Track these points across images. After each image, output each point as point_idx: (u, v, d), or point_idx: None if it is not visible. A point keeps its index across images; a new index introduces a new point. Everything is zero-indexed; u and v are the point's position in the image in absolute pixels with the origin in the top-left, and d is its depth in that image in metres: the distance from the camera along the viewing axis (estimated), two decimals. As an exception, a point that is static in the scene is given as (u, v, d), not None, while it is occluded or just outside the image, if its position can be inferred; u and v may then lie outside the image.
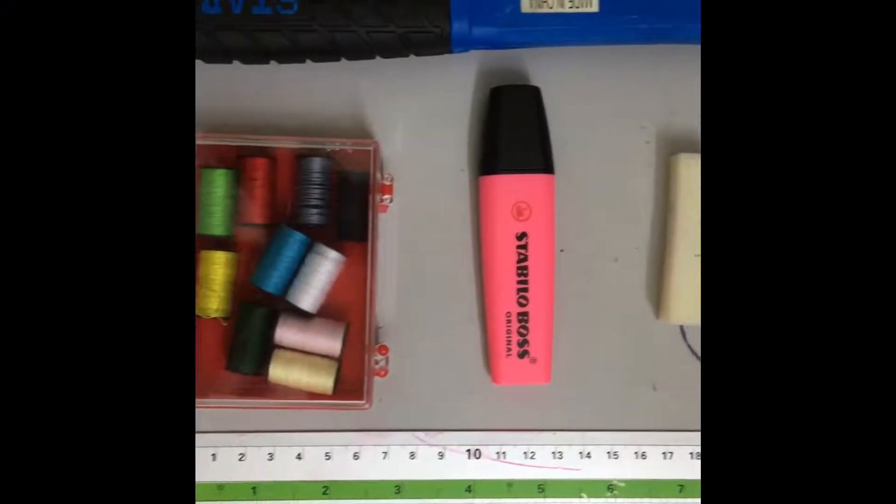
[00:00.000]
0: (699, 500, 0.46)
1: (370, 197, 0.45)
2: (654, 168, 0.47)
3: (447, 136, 0.47)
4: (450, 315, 0.47)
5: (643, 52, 0.46)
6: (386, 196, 0.46)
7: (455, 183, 0.47)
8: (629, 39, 0.45)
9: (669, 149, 0.47)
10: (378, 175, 0.45)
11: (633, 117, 0.47)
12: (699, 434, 0.47)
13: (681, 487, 0.47)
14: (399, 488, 0.46)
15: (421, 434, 0.47)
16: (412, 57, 0.45)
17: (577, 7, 0.44)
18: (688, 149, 0.47)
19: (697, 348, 0.47)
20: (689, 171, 0.46)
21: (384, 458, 0.46)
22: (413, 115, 0.47)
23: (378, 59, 0.45)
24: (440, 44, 0.44)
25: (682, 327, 0.47)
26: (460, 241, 0.47)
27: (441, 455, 0.47)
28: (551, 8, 0.44)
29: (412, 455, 0.47)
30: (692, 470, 0.47)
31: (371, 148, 0.45)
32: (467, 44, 0.45)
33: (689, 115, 0.47)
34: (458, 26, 0.44)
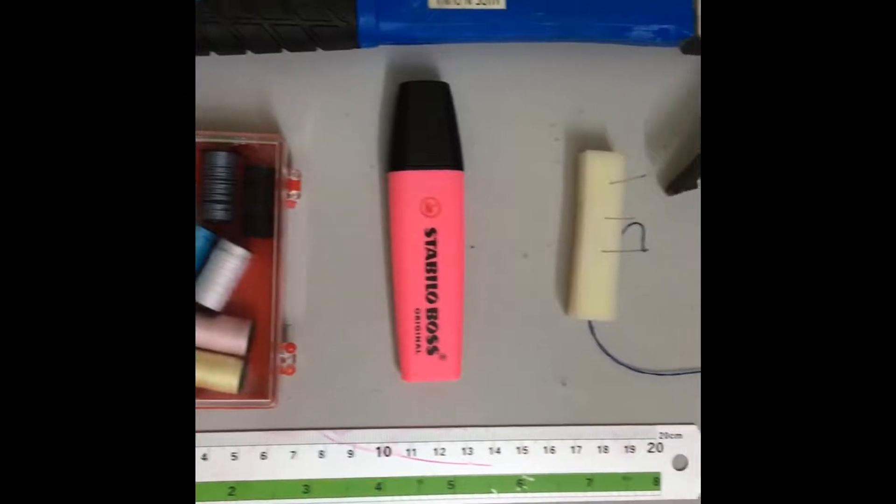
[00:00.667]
0: (606, 493, 0.47)
1: (276, 192, 0.44)
2: (562, 165, 0.48)
3: (356, 132, 0.47)
4: (359, 312, 0.47)
5: (552, 50, 0.47)
6: (293, 192, 0.45)
7: (364, 179, 0.47)
8: (537, 37, 0.45)
9: (578, 146, 0.48)
10: (284, 170, 0.44)
11: (542, 115, 0.48)
12: (607, 427, 0.47)
13: (589, 481, 0.47)
14: (308, 487, 0.46)
15: (330, 432, 0.46)
16: (320, 51, 0.45)
17: (484, 4, 0.44)
18: (595, 146, 0.47)
19: (605, 343, 0.48)
20: (597, 168, 0.46)
21: (292, 457, 0.46)
22: (322, 110, 0.47)
23: (285, 52, 0.44)
24: (347, 38, 0.44)
25: (590, 322, 0.47)
26: (370, 238, 0.47)
27: (350, 453, 0.46)
28: (458, 4, 0.44)
29: (321, 454, 0.46)
30: (600, 463, 0.47)
31: (277, 143, 0.44)
32: (375, 38, 0.44)
33: (596, 113, 0.48)
34: (365, 20, 0.43)
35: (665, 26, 0.45)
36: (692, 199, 0.47)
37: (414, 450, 0.47)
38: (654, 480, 0.47)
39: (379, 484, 0.46)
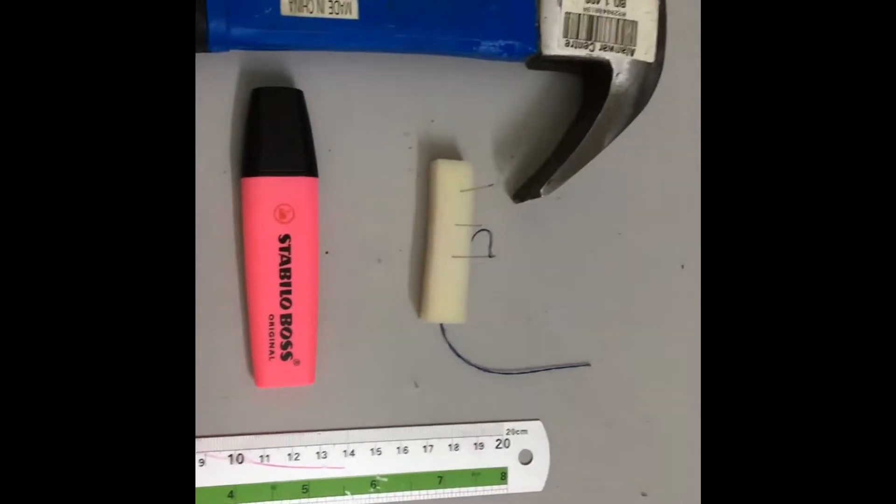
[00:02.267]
0: (456, 490, 0.49)
1: (123, 197, 0.43)
2: (415, 173, 0.49)
3: (208, 137, 0.46)
4: (212, 318, 0.46)
5: (405, 61, 0.48)
6: (141, 197, 0.44)
7: (216, 184, 0.46)
8: (388, 48, 0.46)
9: (430, 154, 0.49)
10: (131, 175, 0.43)
11: (396, 123, 0.49)
12: (457, 426, 0.49)
13: (440, 478, 0.49)
14: (156, 499, 0.45)
15: (180, 441, 0.45)
16: (168, 54, 0.44)
17: (337, 13, 0.45)
18: (446, 155, 0.49)
19: (456, 345, 0.49)
20: (448, 175, 0.48)
21: (140, 468, 0.45)
22: (171, 114, 0.46)
23: (131, 54, 0.43)
24: (197, 42, 0.43)
25: (441, 325, 0.49)
26: (222, 244, 0.46)
27: (202, 462, 0.46)
28: (311, 12, 0.44)
29: (171, 464, 0.45)
30: (450, 461, 0.49)
31: (123, 146, 0.43)
32: (226, 43, 0.44)
33: (447, 124, 0.49)
34: (215, 25, 0.43)
35: (511, 42, 0.47)
36: (537, 207, 0.49)
37: (267, 456, 0.47)
38: (501, 475, 0.50)
39: (231, 492, 0.46)
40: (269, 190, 0.45)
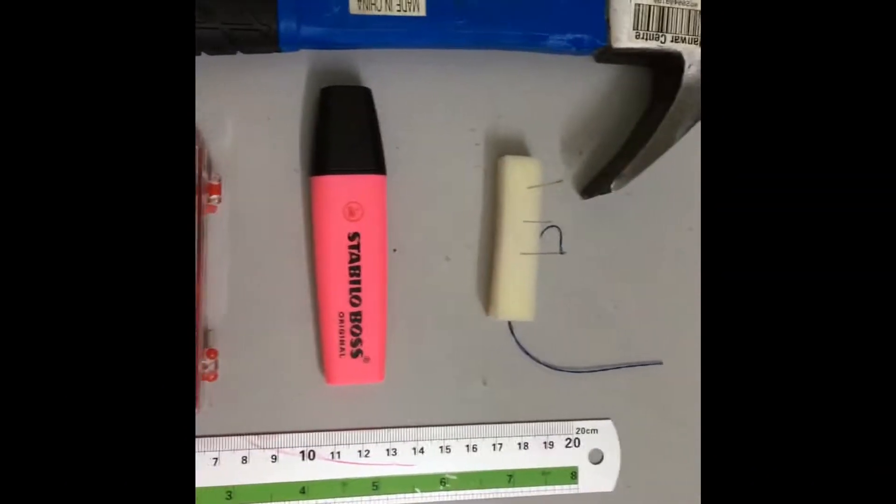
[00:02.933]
0: (526, 489, 0.49)
1: (196, 197, 0.44)
2: (482, 169, 0.49)
3: (278, 136, 0.47)
4: (282, 316, 0.46)
5: (471, 57, 0.47)
6: (214, 196, 0.45)
7: (287, 183, 0.47)
8: (456, 44, 0.46)
9: (497, 151, 0.49)
10: (204, 175, 0.44)
11: (462, 120, 0.48)
12: (526, 425, 0.49)
13: (510, 477, 0.48)
14: (231, 494, 0.45)
15: (254, 438, 0.46)
16: (240, 55, 0.44)
17: (405, 10, 0.45)
18: (514, 151, 0.48)
19: (525, 343, 0.49)
20: (516, 172, 0.47)
21: (215, 464, 0.45)
22: (243, 115, 0.46)
23: (203, 55, 0.44)
24: (268, 42, 0.44)
25: (510, 323, 0.49)
26: (293, 242, 0.47)
27: (274, 458, 0.46)
28: (379, 10, 0.44)
29: (244, 459, 0.46)
30: (520, 460, 0.48)
31: (196, 148, 0.44)
32: (296, 43, 0.44)
33: (514, 119, 0.49)
34: (286, 25, 0.43)
35: (579, 36, 0.46)
36: (606, 203, 0.49)
37: (338, 452, 0.47)
38: (571, 475, 0.49)
39: (303, 488, 0.46)
40: (339, 188, 0.45)
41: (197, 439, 0.45)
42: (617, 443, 0.50)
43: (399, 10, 0.45)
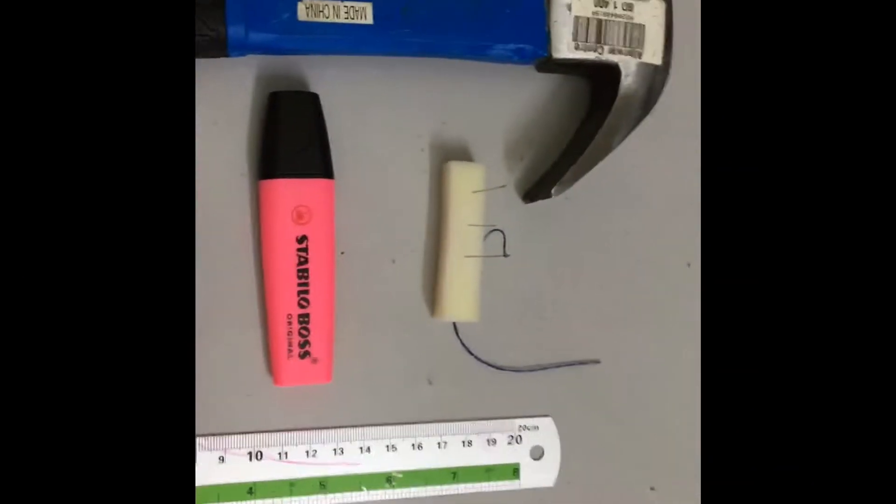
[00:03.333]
0: (470, 485, 0.50)
1: (144, 200, 0.44)
2: (428, 174, 0.50)
3: (227, 140, 0.47)
4: (230, 318, 0.47)
5: (417, 65, 0.49)
6: (161, 199, 0.45)
7: (234, 187, 0.47)
8: (403, 52, 0.47)
9: (442, 156, 0.50)
10: (152, 177, 0.44)
11: (408, 125, 0.50)
12: (471, 423, 0.50)
13: (454, 474, 0.50)
14: (177, 496, 0.46)
15: (200, 439, 0.46)
16: (188, 59, 0.45)
17: (352, 18, 0.46)
18: (458, 156, 0.50)
19: (469, 343, 0.50)
20: (460, 177, 0.49)
21: (161, 466, 0.46)
22: (190, 118, 0.47)
23: (151, 59, 0.44)
24: (217, 47, 0.44)
25: (454, 324, 0.50)
26: (240, 245, 0.47)
27: (221, 459, 0.47)
28: (327, 18, 0.45)
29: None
30: (463, 457, 0.50)
31: (144, 150, 0.44)
32: (244, 48, 0.45)
33: (459, 126, 0.50)
34: (235, 30, 0.44)
35: (522, 46, 0.48)
36: (547, 208, 0.51)
37: (286, 453, 0.47)
38: (513, 471, 0.51)
39: (251, 488, 0.47)
40: (287, 192, 0.46)
41: (143, 442, 0.45)
42: (557, 440, 0.51)
43: (347, 18, 0.46)
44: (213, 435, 0.46)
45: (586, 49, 0.49)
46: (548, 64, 0.49)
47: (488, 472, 0.50)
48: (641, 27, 0.49)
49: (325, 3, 0.45)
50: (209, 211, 0.47)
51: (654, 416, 0.53)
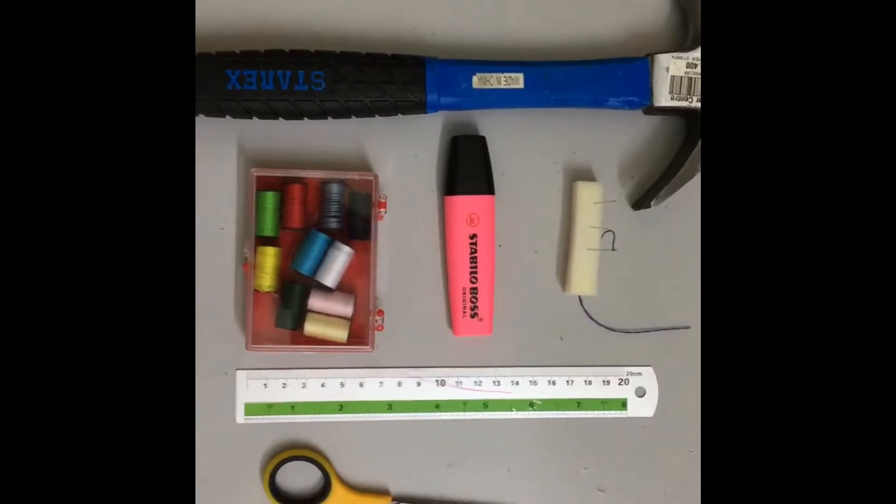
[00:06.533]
0: (589, 412, 0.68)
1: (372, 210, 0.66)
2: (561, 191, 0.69)
3: (422, 169, 0.67)
4: (425, 290, 0.67)
5: (556, 113, 0.66)
6: (381, 209, 0.66)
7: (428, 201, 0.68)
8: (544, 105, 0.65)
9: (572, 177, 0.68)
10: (377, 195, 0.66)
11: (548, 155, 0.68)
12: (590, 368, 0.68)
13: (578, 403, 0.69)
14: (391, 406, 0.67)
15: (405, 369, 0.68)
16: (399, 115, 0.66)
17: (510, 84, 0.65)
18: (584, 177, 0.68)
19: (590, 310, 0.69)
20: (584, 193, 0.67)
21: (380, 386, 0.67)
22: (400, 154, 0.67)
23: (377, 117, 0.66)
24: (419, 108, 0.65)
25: (580, 297, 0.69)
26: (432, 240, 0.68)
27: (418, 383, 0.68)
28: (493, 85, 0.65)
29: (399, 384, 0.67)
30: (586, 392, 0.68)
31: (372, 177, 0.66)
32: (437, 107, 0.65)
33: (585, 155, 0.68)
34: (431, 97, 0.64)
35: (631, 98, 0.65)
36: (650, 215, 0.67)
37: (460, 381, 0.68)
38: (622, 404, 0.69)
39: (437, 404, 0.68)
40: (463, 204, 0.66)
41: (370, 369, 0.66)
42: (656, 383, 0.69)
43: (506, 84, 0.65)
44: (414, 367, 0.68)
45: (679, 99, 0.66)
46: (651, 109, 0.66)
47: (603, 403, 0.69)
48: (723, 80, 0.65)
49: (491, 75, 0.65)
50: (412, 217, 0.67)
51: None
